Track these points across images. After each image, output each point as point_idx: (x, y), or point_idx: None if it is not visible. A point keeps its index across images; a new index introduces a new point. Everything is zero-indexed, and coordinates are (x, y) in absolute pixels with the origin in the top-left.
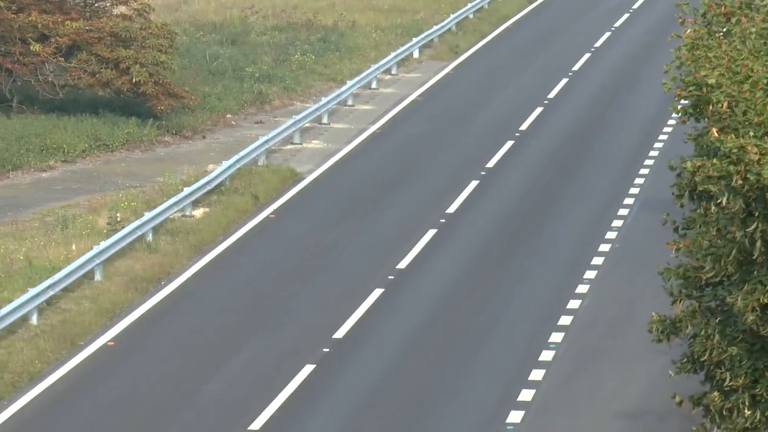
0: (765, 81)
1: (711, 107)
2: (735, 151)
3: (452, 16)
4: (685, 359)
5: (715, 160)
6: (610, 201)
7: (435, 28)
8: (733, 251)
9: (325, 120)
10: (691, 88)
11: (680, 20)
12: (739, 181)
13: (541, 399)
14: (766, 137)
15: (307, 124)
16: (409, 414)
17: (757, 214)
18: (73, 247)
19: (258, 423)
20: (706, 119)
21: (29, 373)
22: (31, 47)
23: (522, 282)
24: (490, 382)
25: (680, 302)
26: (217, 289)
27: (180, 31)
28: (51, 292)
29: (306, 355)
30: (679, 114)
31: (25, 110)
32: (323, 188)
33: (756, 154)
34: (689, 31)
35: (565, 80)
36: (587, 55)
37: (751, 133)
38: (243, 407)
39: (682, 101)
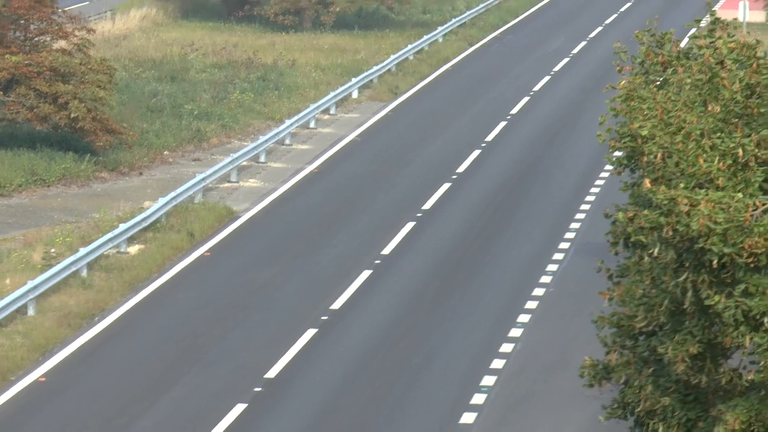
0: (698, 132)
1: (645, 158)
2: (666, 202)
3: (392, 57)
4: (616, 405)
5: (647, 211)
6: (546, 245)
7: (375, 68)
8: (666, 301)
9: (262, 159)
10: (625, 140)
11: (618, 68)
12: (670, 233)
13: None
14: (697, 189)
15: (244, 163)
16: None
17: (687, 265)
18: (7, 281)
19: None
20: (640, 170)
21: None
22: None
23: (455, 324)
24: (422, 425)
25: (614, 352)
26: (151, 326)
27: (119, 67)
28: None
29: (238, 394)
30: (614, 165)
31: None
32: (259, 227)
33: (686, 205)
34: (624, 81)
35: (503, 123)
36: (526, 99)
37: (682, 185)
38: None
39: (617, 152)
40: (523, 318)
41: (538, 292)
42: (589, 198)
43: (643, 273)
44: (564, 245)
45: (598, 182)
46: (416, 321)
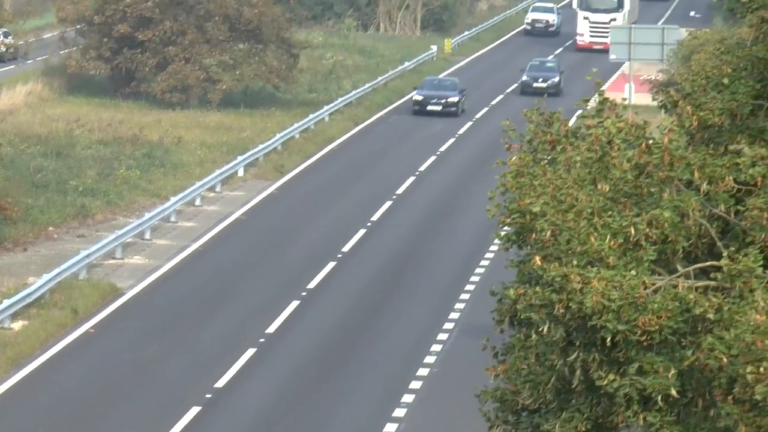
0: (588, 210)
1: (534, 235)
2: (558, 279)
3: (278, 136)
4: None
5: (537, 288)
6: (431, 325)
7: (260, 146)
8: (552, 379)
9: (147, 236)
10: (515, 216)
11: (506, 146)
12: (561, 310)
13: None
14: (589, 266)
15: (129, 240)
16: None
17: (578, 344)
18: None
19: None
20: (529, 247)
21: None
22: None
23: (340, 404)
24: None
25: (497, 427)
26: (33, 404)
27: (4, 142)
28: None
29: None
30: (503, 241)
31: None
32: (144, 304)
33: (579, 283)
34: (514, 158)
35: (389, 203)
36: (412, 179)
37: (575, 262)
38: None
39: (506, 228)
40: (407, 398)
41: (423, 372)
42: (473, 278)
43: (528, 350)
44: (448, 325)
45: (483, 262)
46: (300, 400)
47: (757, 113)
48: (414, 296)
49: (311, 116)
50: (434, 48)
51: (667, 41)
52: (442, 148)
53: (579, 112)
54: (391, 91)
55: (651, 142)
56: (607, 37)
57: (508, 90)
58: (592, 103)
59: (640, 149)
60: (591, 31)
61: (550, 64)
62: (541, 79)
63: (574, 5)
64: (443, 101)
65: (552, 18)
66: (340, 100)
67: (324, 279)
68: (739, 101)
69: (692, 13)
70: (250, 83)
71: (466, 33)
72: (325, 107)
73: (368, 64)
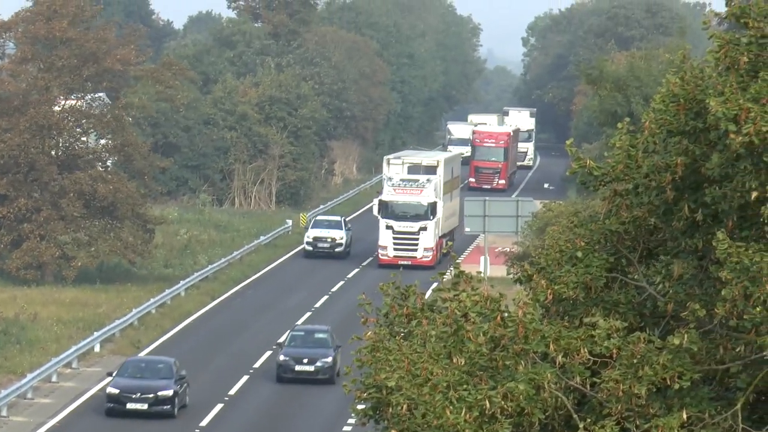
0: (444, 384)
1: (391, 409)
2: None
3: (134, 311)
4: None
5: None
6: None
7: (117, 322)
8: None
9: (4, 413)
10: (371, 390)
11: (363, 320)
12: None
13: None
14: None
15: None
16: None
17: None
18: None
19: None
20: (386, 421)
21: None
22: None
23: None
24: None
25: None
26: None
27: None
28: None
29: None
30: (359, 416)
31: None
32: None
33: None
34: (370, 332)
35: (245, 377)
36: (268, 353)
37: None
38: None
39: (362, 403)
40: None
41: None
42: None
43: None
44: None
45: None
46: None
47: (611, 286)
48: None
49: (167, 291)
50: (289, 222)
51: (521, 213)
52: (299, 322)
53: (435, 284)
54: (246, 265)
55: (506, 315)
56: (416, 250)
57: (364, 263)
58: (448, 276)
59: (495, 322)
60: (396, 244)
61: (320, 335)
62: (306, 360)
63: (375, 211)
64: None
65: (339, 235)
66: (196, 274)
67: None
68: (593, 274)
69: (546, 185)
70: (105, 259)
71: (321, 207)
72: (181, 282)
73: (224, 239)
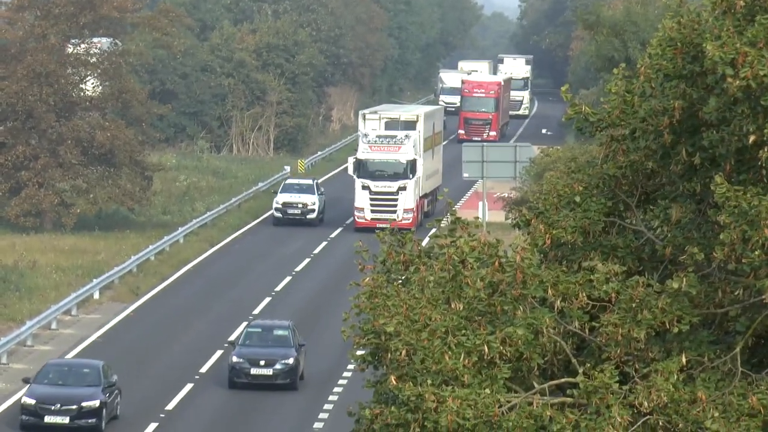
0: (442, 329)
1: (389, 355)
2: (413, 399)
3: (133, 258)
4: None
5: (393, 408)
6: None
7: (116, 269)
8: None
9: (4, 360)
10: (369, 336)
11: (360, 267)
12: (417, 429)
13: None
14: (443, 385)
15: None
16: None
17: None
18: None
19: None
20: (384, 366)
21: None
22: None
23: None
24: None
25: None
26: None
27: None
28: None
29: None
30: (358, 362)
31: None
32: (2, 428)
33: (434, 402)
34: (368, 279)
35: (245, 324)
36: (267, 299)
37: (429, 381)
38: None
39: (361, 349)
40: None
41: None
42: (332, 397)
43: None
44: None
45: (341, 382)
46: None
47: (609, 230)
48: (272, 418)
49: (166, 238)
50: (287, 168)
51: (519, 159)
52: (298, 268)
53: (432, 231)
54: (245, 212)
55: (504, 260)
56: (395, 211)
57: (347, 222)
58: (445, 222)
59: (493, 268)
60: (373, 205)
61: (280, 332)
62: (263, 362)
63: (350, 170)
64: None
65: (311, 200)
66: (194, 221)
67: (182, 401)
68: (591, 219)
69: (544, 131)
70: (104, 206)
71: (319, 153)
72: (180, 229)
73: (222, 186)
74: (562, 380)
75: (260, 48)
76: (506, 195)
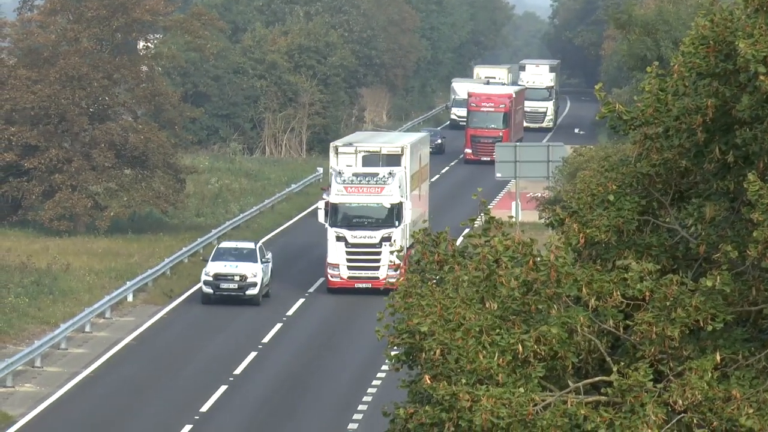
0: (477, 329)
1: (424, 354)
2: (447, 398)
3: (166, 260)
4: None
5: (427, 407)
6: None
7: (149, 271)
8: None
9: (38, 363)
10: (404, 336)
11: (394, 266)
12: (452, 429)
13: None
14: (478, 384)
15: (20, 367)
16: None
17: None
18: None
19: None
20: (419, 366)
21: None
22: None
23: None
24: None
25: None
26: None
27: None
28: None
29: None
30: (392, 361)
31: None
32: None
33: (468, 401)
34: (402, 279)
35: (279, 325)
36: (301, 300)
37: (464, 381)
38: None
39: (395, 348)
40: None
41: None
42: (366, 398)
43: None
44: None
45: (375, 382)
46: None
47: (643, 229)
48: (307, 418)
49: (199, 240)
50: (320, 170)
51: (552, 158)
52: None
53: (466, 231)
54: (278, 213)
55: (538, 259)
56: (377, 268)
57: None
58: (479, 222)
59: (528, 267)
60: (350, 260)
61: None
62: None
63: (321, 217)
64: None
65: (252, 270)
66: (227, 223)
67: (216, 402)
68: (624, 217)
69: (577, 130)
70: (137, 209)
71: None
72: (213, 231)
73: (255, 188)
74: (597, 379)
75: (292, 50)
76: (539, 195)
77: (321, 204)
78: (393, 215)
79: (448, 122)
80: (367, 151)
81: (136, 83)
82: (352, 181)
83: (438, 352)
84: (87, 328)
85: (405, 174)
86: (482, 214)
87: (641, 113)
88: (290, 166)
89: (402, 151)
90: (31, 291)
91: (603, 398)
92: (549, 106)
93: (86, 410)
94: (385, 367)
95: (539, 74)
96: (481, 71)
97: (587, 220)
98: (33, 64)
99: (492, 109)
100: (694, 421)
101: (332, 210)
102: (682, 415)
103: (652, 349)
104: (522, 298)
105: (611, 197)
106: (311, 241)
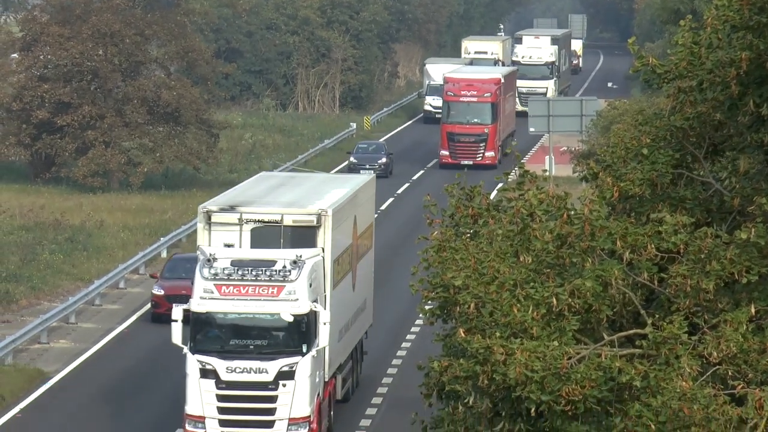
0: (511, 282)
1: (458, 308)
2: (481, 351)
3: None
4: None
5: (462, 361)
6: (359, 400)
7: (183, 228)
8: None
9: (72, 319)
10: (438, 290)
11: (428, 221)
12: (486, 381)
13: None
14: (512, 338)
15: (54, 324)
16: None
17: (503, 414)
18: None
19: None
20: (453, 320)
21: None
22: None
23: None
24: None
25: None
26: None
27: None
28: None
29: None
30: (427, 315)
31: None
32: (71, 388)
33: (502, 354)
34: (436, 233)
35: None
36: None
37: (498, 334)
38: None
39: (430, 302)
40: None
41: None
42: (400, 353)
43: (457, 423)
44: (377, 400)
45: (409, 337)
46: None
47: (677, 182)
48: None
49: None
50: (353, 125)
51: (585, 112)
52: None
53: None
54: (311, 168)
55: (572, 213)
56: (271, 424)
57: (429, 165)
58: (513, 176)
59: (562, 220)
60: (222, 411)
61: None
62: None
63: (175, 336)
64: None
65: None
66: None
67: None
68: (659, 171)
69: (610, 84)
70: (170, 165)
71: (385, 109)
72: None
73: (288, 143)
74: (631, 332)
75: (324, 5)
76: (573, 148)
77: (177, 313)
78: (298, 334)
79: (422, 114)
80: (258, 221)
81: (168, 39)
82: (229, 275)
83: (472, 305)
84: (121, 284)
85: (324, 260)
86: (516, 168)
87: (675, 67)
88: (323, 121)
89: (320, 219)
90: (66, 248)
91: (637, 351)
92: (550, 86)
93: (121, 366)
94: (419, 321)
95: (538, 47)
96: (470, 45)
97: (621, 173)
98: (65, 21)
99: (474, 99)
100: (729, 373)
101: (194, 324)
102: (717, 367)
103: (687, 302)
104: (556, 252)
105: (645, 151)
106: None
